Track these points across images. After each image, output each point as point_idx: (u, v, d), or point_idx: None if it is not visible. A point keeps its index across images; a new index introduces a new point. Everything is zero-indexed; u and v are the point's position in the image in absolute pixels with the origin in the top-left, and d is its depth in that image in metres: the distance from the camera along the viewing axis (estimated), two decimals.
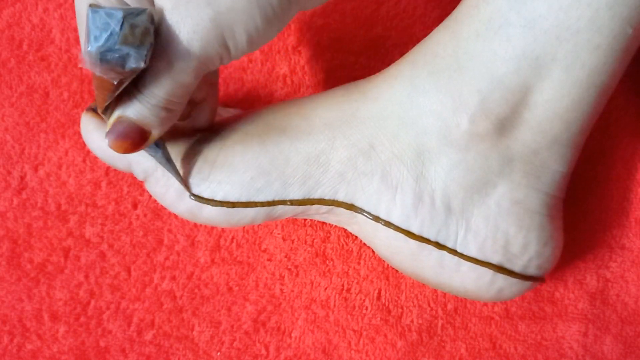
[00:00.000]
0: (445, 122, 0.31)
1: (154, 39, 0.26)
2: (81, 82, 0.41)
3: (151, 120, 0.29)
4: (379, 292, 0.39)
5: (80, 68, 0.42)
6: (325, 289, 0.40)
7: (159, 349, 0.39)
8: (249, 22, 0.27)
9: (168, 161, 0.32)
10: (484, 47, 0.30)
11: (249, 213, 0.33)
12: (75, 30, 0.42)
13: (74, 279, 0.40)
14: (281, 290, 0.40)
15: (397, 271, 0.39)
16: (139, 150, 0.30)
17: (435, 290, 0.39)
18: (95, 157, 0.41)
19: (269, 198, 0.33)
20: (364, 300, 0.39)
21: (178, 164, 0.33)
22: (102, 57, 0.25)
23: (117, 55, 0.25)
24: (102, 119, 0.34)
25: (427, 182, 0.32)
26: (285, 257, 0.40)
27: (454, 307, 0.39)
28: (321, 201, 0.33)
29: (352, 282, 0.40)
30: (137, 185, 0.41)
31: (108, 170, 0.41)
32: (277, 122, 0.34)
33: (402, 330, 0.39)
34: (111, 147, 0.29)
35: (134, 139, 0.29)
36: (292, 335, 0.39)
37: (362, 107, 0.33)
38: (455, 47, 0.31)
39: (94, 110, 0.34)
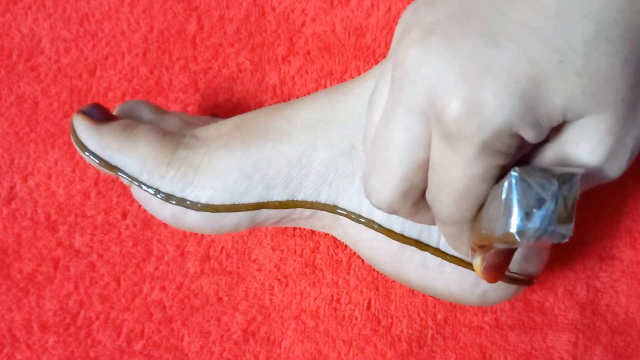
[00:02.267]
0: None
1: None
2: (71, 92, 0.41)
3: None
4: (369, 302, 0.39)
5: (70, 78, 0.42)
6: (315, 299, 0.40)
7: (149, 359, 0.39)
8: None
9: None
10: None
11: (233, 218, 0.34)
12: (65, 40, 0.42)
13: (63, 289, 0.40)
14: (271, 300, 0.40)
15: (387, 281, 0.39)
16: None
17: (425, 300, 0.39)
18: (85, 167, 0.41)
19: (252, 201, 0.33)
20: (353, 311, 0.39)
21: (164, 169, 0.33)
22: (537, 240, 0.21)
23: (546, 235, 0.21)
24: (92, 120, 0.34)
25: None
26: (275, 267, 0.40)
27: (444, 317, 0.39)
28: (304, 204, 0.33)
29: (342, 292, 0.40)
30: (126, 195, 0.41)
31: (97, 180, 0.41)
32: (260, 126, 0.34)
33: (391, 341, 0.39)
34: (486, 279, 0.27)
35: (506, 262, 0.27)
36: (282, 345, 0.39)
37: (342, 108, 0.33)
38: None
39: (84, 112, 0.34)
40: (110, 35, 0.42)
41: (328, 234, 0.39)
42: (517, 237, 0.21)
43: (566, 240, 0.22)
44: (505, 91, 0.22)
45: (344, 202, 0.33)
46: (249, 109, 0.41)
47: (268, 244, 0.40)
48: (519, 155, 0.24)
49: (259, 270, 0.40)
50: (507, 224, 0.21)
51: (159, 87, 0.41)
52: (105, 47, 0.42)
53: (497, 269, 0.27)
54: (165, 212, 0.34)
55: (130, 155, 0.34)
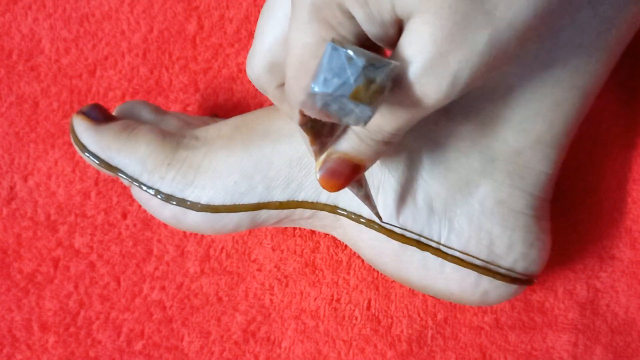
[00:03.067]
0: (424, 120, 0.31)
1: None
2: (71, 92, 0.42)
3: (369, 155, 0.27)
4: (369, 302, 0.39)
5: (70, 78, 0.42)
6: (315, 299, 0.40)
7: (149, 359, 0.39)
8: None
9: (367, 198, 0.31)
10: None
11: (233, 218, 0.34)
12: (65, 40, 0.42)
13: (63, 289, 0.40)
14: (271, 300, 0.40)
15: (387, 281, 0.39)
16: (346, 186, 0.28)
17: (425, 300, 0.39)
18: (85, 167, 0.41)
19: (253, 202, 0.33)
20: (353, 311, 0.39)
21: (164, 170, 0.33)
22: (323, 105, 0.22)
23: (338, 107, 0.22)
24: (92, 121, 0.34)
25: (408, 182, 0.32)
26: (275, 267, 0.40)
27: (444, 317, 0.39)
28: (304, 204, 0.33)
29: (342, 292, 0.40)
30: (126, 195, 0.41)
31: (97, 180, 0.41)
32: (260, 127, 0.34)
33: (392, 341, 0.39)
34: (322, 184, 0.27)
35: (347, 175, 0.27)
36: (282, 345, 0.39)
37: None
38: None
39: (84, 113, 0.35)
40: (110, 35, 0.42)
41: (328, 234, 0.39)
42: (308, 98, 0.22)
43: (361, 124, 0.22)
44: None
45: (344, 203, 0.33)
46: (249, 109, 0.41)
47: (268, 244, 0.40)
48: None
49: (259, 270, 0.40)
50: (308, 86, 0.22)
51: (159, 87, 0.41)
52: (105, 47, 0.42)
53: (335, 178, 0.27)
54: (165, 212, 0.34)
55: (131, 155, 0.34)
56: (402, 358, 0.39)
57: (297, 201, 0.33)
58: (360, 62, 0.21)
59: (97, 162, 0.34)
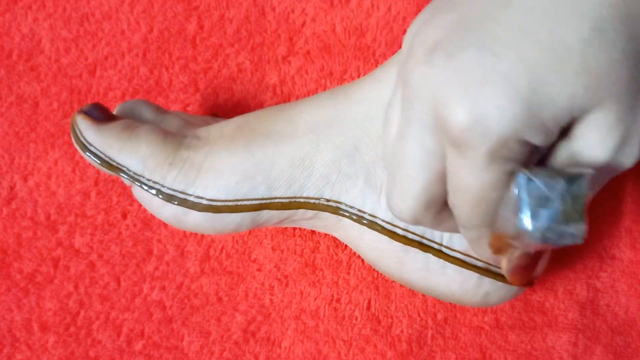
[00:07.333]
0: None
1: None
2: (71, 92, 0.41)
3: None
4: (369, 302, 0.39)
5: (70, 78, 0.42)
6: (315, 299, 0.40)
7: (149, 359, 0.39)
8: None
9: None
10: None
11: (235, 219, 0.34)
12: (65, 40, 0.42)
13: (63, 289, 0.40)
14: (271, 300, 0.40)
15: (387, 281, 0.39)
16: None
17: (425, 300, 0.39)
18: (85, 167, 0.41)
19: (255, 202, 0.33)
20: (353, 311, 0.39)
21: (166, 169, 0.33)
22: (540, 238, 0.22)
23: (554, 235, 0.22)
24: (92, 120, 0.34)
25: None
26: (275, 267, 0.40)
27: (444, 317, 0.39)
28: (306, 205, 0.33)
29: (342, 292, 0.40)
30: (126, 195, 0.41)
31: (97, 180, 0.41)
32: (262, 127, 0.34)
33: (392, 341, 0.39)
34: (512, 282, 0.28)
35: (533, 267, 0.28)
36: (282, 345, 0.39)
37: (346, 110, 0.33)
38: None
39: (85, 112, 0.34)
40: (110, 35, 0.42)
41: (328, 234, 0.39)
42: (525, 237, 0.22)
43: (579, 241, 0.22)
44: (505, 100, 0.22)
45: (346, 204, 0.33)
46: (249, 109, 0.41)
47: (268, 243, 0.40)
48: (534, 159, 0.24)
49: (259, 270, 0.40)
50: (516, 223, 0.22)
51: (159, 87, 0.41)
52: (105, 47, 0.42)
53: (522, 272, 0.27)
54: (166, 212, 0.34)
55: (132, 155, 0.33)
56: (402, 358, 0.39)
57: (299, 202, 0.33)
58: (559, 185, 0.21)
59: (98, 161, 0.34)
